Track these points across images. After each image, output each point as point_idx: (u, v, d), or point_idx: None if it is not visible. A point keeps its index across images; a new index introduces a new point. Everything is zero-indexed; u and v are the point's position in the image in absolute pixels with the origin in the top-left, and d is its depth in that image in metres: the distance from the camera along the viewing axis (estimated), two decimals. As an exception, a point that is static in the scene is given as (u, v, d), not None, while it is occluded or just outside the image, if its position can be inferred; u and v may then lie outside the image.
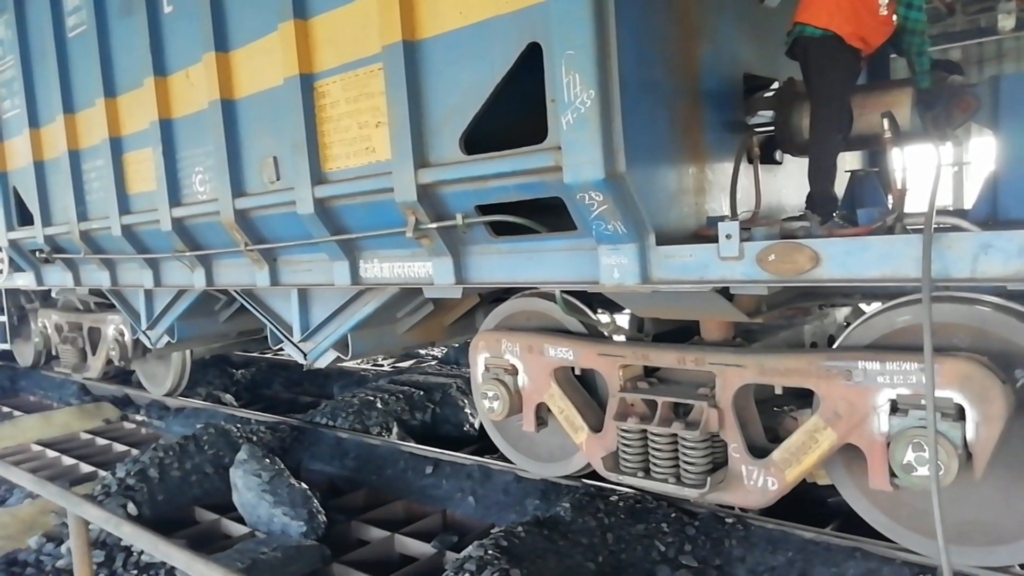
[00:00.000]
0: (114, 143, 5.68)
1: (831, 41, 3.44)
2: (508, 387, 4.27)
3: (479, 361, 4.46)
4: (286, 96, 4.20)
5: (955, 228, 2.79)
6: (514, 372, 4.29)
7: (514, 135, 3.35)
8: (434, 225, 3.69)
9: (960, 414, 2.92)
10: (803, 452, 3.31)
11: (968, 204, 3.42)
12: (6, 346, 9.07)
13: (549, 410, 4.22)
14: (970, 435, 2.91)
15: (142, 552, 4.47)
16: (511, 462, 4.87)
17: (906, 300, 3.14)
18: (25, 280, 7.70)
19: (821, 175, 3.53)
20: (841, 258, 2.79)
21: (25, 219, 7.21)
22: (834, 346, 3.47)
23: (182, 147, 5.14)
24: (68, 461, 6.99)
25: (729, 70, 3.87)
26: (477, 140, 3.51)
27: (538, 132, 3.23)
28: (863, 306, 4.19)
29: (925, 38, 3.61)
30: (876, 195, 4.22)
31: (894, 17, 3.58)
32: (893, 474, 3.05)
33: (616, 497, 4.38)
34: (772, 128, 3.98)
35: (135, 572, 4.49)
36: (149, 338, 6.61)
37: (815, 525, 3.94)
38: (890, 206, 3.29)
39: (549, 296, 4.17)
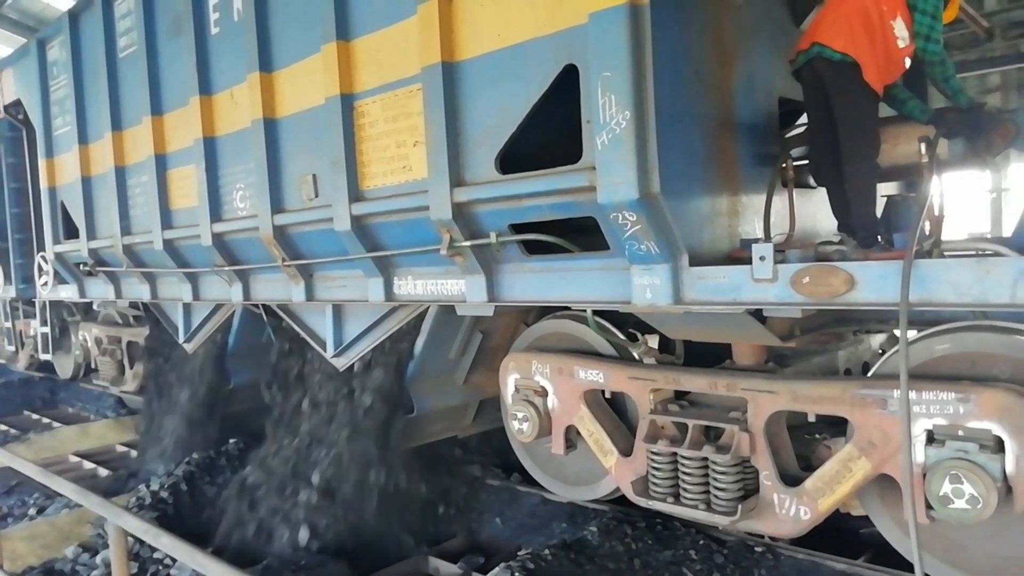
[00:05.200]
0: (159, 160, 5.83)
1: (850, 68, 3.39)
2: (538, 409, 4.26)
3: (509, 382, 4.45)
4: (327, 115, 4.29)
5: (995, 254, 2.75)
6: (544, 394, 4.28)
7: (548, 155, 3.39)
8: (468, 243, 3.72)
9: (999, 446, 2.86)
10: (836, 481, 3.25)
11: (1007, 231, 3.37)
12: (48, 357, 9.27)
13: (578, 433, 4.20)
14: (1010, 468, 2.84)
15: (175, 562, 4.53)
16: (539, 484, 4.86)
17: (945, 328, 3.09)
18: (68, 292, 7.89)
19: (862, 198, 3.48)
20: (877, 282, 2.75)
21: (70, 233, 7.41)
22: (869, 374, 3.42)
23: (224, 164, 5.26)
24: (103, 472, 7.13)
25: (764, 95, 3.87)
26: (512, 159, 3.54)
27: (572, 152, 3.25)
28: (898, 333, 4.12)
29: (947, 65, 3.52)
30: (913, 220, 4.16)
31: (907, 60, 3.55)
32: (929, 506, 2.98)
33: (644, 522, 4.34)
34: (807, 161, 3.96)
35: (166, 584, 4.55)
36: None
37: (847, 556, 3.87)
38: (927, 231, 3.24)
39: (580, 318, 4.18)
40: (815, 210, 4.24)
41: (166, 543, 3.26)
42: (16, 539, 5.20)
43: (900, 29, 3.45)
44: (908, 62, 3.57)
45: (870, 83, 3.39)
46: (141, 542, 4.50)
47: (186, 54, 5.35)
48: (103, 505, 3.76)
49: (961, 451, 2.87)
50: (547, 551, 4.00)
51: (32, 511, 6.20)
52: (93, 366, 8.99)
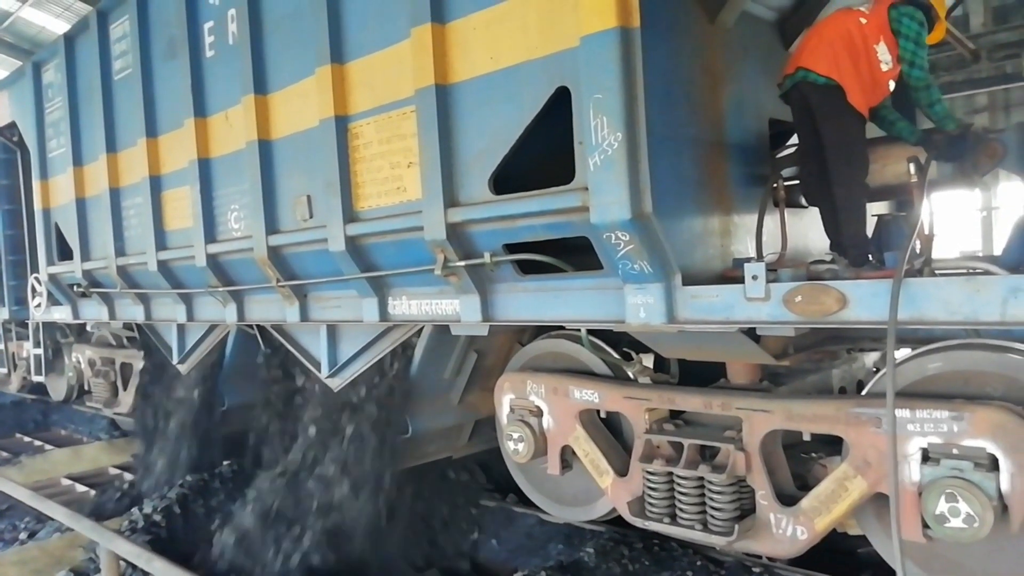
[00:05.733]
0: (153, 181, 5.83)
1: (835, 91, 3.45)
2: (533, 429, 4.24)
3: (504, 402, 4.44)
4: (321, 137, 4.31)
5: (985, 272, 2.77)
6: (539, 414, 4.27)
7: (541, 176, 3.41)
8: (462, 263, 3.73)
9: (994, 464, 2.85)
10: (833, 501, 3.24)
11: (998, 249, 3.39)
12: (40, 379, 9.23)
13: (574, 453, 4.18)
14: (1004, 486, 2.83)
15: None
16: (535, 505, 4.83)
17: (938, 346, 3.10)
18: (62, 314, 7.88)
19: (852, 218, 3.51)
20: (868, 300, 2.77)
21: (64, 254, 7.40)
22: (863, 392, 3.42)
23: (219, 185, 5.27)
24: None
25: (754, 116, 3.91)
26: (505, 180, 3.56)
27: (565, 173, 3.27)
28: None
29: (932, 90, 3.54)
30: (903, 239, 4.19)
31: (891, 83, 3.59)
32: (926, 524, 2.97)
33: (641, 543, 4.32)
34: (798, 181, 3.99)
35: (157, 607, 4.49)
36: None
37: (845, 576, 3.86)
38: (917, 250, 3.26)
39: (575, 338, 4.18)
40: (806, 229, 4.27)
41: (159, 567, 3.24)
42: (6, 564, 5.15)
43: (883, 53, 3.50)
44: (893, 84, 3.61)
45: (855, 106, 3.44)
46: (133, 566, 4.45)
47: (181, 77, 5.37)
48: (95, 529, 3.74)
49: (956, 469, 2.86)
50: (543, 573, 3.99)
51: (23, 535, 6.14)
52: (86, 388, 8.93)
